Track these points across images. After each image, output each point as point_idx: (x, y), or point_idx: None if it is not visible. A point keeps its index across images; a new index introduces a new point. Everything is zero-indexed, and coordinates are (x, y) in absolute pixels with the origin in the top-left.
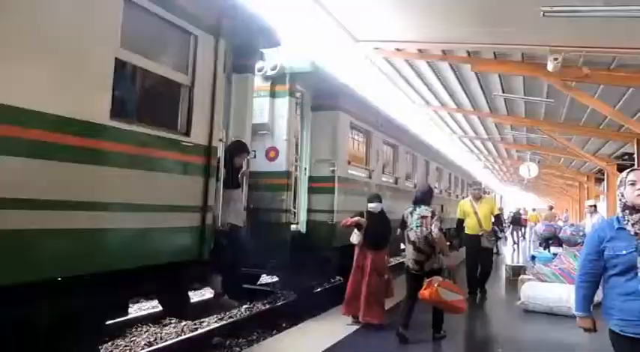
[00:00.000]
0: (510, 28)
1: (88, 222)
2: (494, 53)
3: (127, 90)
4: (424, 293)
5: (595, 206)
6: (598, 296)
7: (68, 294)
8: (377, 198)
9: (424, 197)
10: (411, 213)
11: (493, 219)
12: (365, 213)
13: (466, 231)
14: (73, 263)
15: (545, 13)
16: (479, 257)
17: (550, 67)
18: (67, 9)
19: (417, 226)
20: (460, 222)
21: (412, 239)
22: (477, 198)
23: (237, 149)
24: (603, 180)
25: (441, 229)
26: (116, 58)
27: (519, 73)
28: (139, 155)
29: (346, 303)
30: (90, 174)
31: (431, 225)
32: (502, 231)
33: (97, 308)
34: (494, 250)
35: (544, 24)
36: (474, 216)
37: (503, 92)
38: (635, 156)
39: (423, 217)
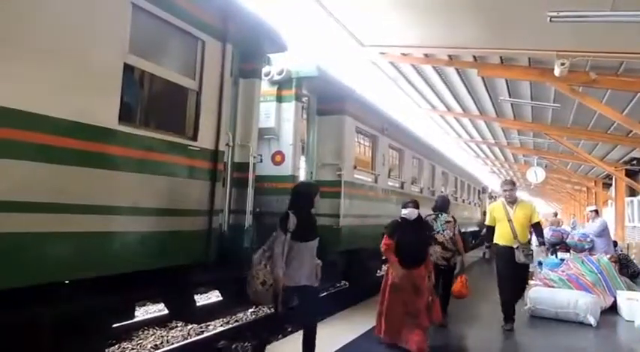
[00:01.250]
0: (517, 33)
1: (95, 226)
2: (500, 58)
3: (136, 95)
4: (457, 286)
5: (596, 211)
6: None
7: (75, 297)
8: (412, 203)
9: (443, 205)
10: (435, 220)
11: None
12: (397, 222)
13: (496, 241)
14: (80, 266)
15: (552, 19)
16: (512, 273)
17: (557, 72)
18: (77, 14)
19: (443, 230)
20: (489, 230)
21: (440, 240)
22: (512, 202)
23: (309, 191)
24: (611, 185)
25: (460, 232)
26: (125, 63)
27: (526, 78)
28: (147, 159)
29: (378, 323)
30: (98, 178)
31: (454, 229)
32: (542, 243)
33: (104, 311)
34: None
35: (550, 29)
36: (506, 224)
37: (510, 97)
38: None
39: (447, 222)
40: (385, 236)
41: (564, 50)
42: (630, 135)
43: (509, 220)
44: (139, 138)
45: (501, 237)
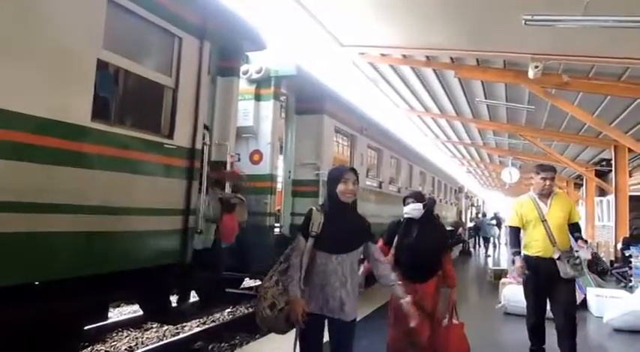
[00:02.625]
0: (492, 36)
1: (66, 226)
2: (477, 60)
3: (110, 91)
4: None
5: None
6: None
7: (45, 299)
8: (414, 196)
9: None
10: None
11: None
12: (397, 222)
13: (526, 251)
14: (50, 267)
15: (527, 22)
16: (552, 293)
17: (531, 74)
18: (49, 8)
19: None
20: (515, 234)
21: None
22: (547, 195)
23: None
24: (582, 185)
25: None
26: (98, 59)
27: (501, 80)
28: (121, 157)
29: None
30: (70, 177)
31: None
32: (582, 239)
33: (75, 312)
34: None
35: (525, 32)
36: (540, 226)
37: (486, 98)
38: (613, 162)
39: None
40: (379, 239)
41: (538, 53)
42: (600, 136)
43: (544, 220)
44: (113, 135)
45: (533, 245)
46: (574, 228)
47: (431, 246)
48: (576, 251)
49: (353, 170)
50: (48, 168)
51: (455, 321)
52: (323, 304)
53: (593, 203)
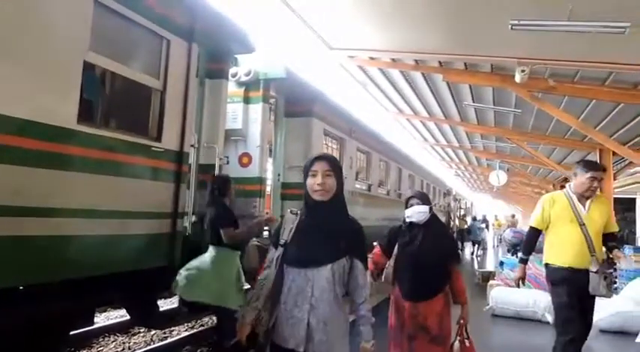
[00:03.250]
0: (480, 41)
1: (52, 229)
2: (464, 64)
3: (96, 94)
4: None
5: None
6: None
7: (30, 304)
8: (418, 197)
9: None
10: None
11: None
12: (397, 228)
13: (554, 261)
14: (36, 271)
15: (513, 27)
16: (583, 310)
17: (518, 78)
18: (34, 9)
19: None
20: (533, 237)
21: None
22: (587, 196)
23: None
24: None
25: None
26: (85, 61)
27: (489, 83)
28: (108, 160)
29: None
30: (56, 180)
31: None
32: (616, 247)
33: (61, 317)
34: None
35: (512, 37)
36: (576, 231)
37: (474, 102)
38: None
39: None
40: (376, 248)
41: (524, 58)
42: (585, 140)
43: (582, 225)
44: (100, 138)
45: (564, 253)
46: (609, 238)
47: (437, 256)
48: (613, 264)
49: (326, 157)
50: (32, 170)
51: (467, 343)
52: (289, 333)
53: None
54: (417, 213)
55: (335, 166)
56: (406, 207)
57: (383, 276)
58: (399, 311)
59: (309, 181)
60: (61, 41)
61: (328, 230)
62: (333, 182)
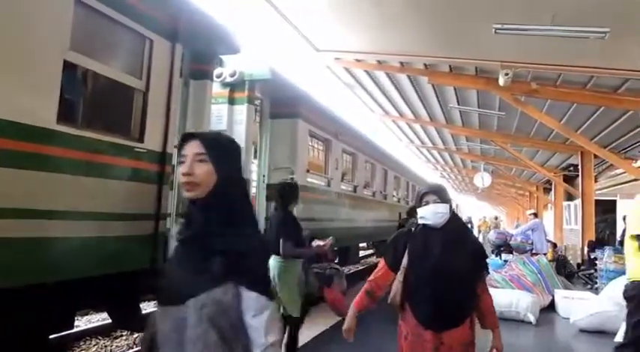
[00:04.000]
0: (464, 44)
1: (30, 231)
2: (449, 66)
3: (77, 94)
4: None
5: (535, 214)
6: None
7: (6, 307)
8: (434, 192)
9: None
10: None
11: None
12: (405, 233)
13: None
14: (13, 273)
15: (497, 30)
16: None
17: (501, 81)
18: (10, 7)
19: None
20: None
21: None
22: None
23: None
24: (551, 189)
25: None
26: (65, 61)
27: (473, 86)
28: (89, 161)
29: None
30: (34, 181)
31: None
32: None
33: (39, 321)
34: None
35: (496, 40)
36: None
37: (459, 104)
38: (580, 167)
39: None
40: (381, 261)
41: (508, 61)
42: (568, 142)
43: None
44: (80, 139)
45: None
46: None
47: (464, 268)
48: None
49: (200, 135)
50: (9, 171)
51: None
52: None
53: (561, 207)
54: (434, 214)
55: (213, 147)
56: (419, 206)
57: (389, 297)
58: (416, 344)
59: (180, 170)
60: (40, 40)
61: (204, 245)
62: (207, 170)
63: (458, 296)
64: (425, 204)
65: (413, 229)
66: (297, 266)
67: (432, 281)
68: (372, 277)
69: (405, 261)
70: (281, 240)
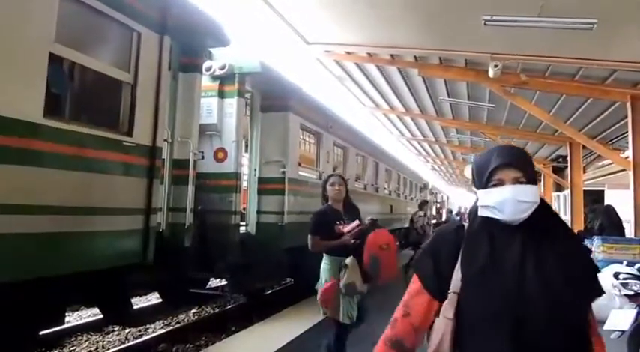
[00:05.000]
0: (454, 36)
1: (18, 227)
2: (439, 59)
3: (64, 87)
4: None
5: None
6: None
7: None
8: (514, 162)
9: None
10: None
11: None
12: (454, 231)
13: None
14: (1, 269)
15: (486, 22)
16: None
17: (491, 73)
18: None
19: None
20: None
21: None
22: None
23: None
24: (540, 181)
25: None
26: (51, 53)
27: (463, 78)
28: (77, 155)
29: None
30: (20, 176)
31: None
32: None
33: (29, 317)
34: None
35: (485, 32)
36: None
37: (449, 97)
38: (569, 158)
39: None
40: (413, 281)
41: (497, 53)
42: (556, 134)
43: None
44: (68, 133)
45: None
46: None
47: (564, 298)
48: None
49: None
50: None
51: None
52: None
53: (551, 198)
54: (514, 203)
55: None
56: (482, 186)
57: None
58: None
59: None
60: (24, 32)
61: None
62: None
63: (555, 344)
64: (496, 184)
65: (467, 228)
66: (332, 263)
67: (510, 317)
68: (398, 312)
69: (456, 279)
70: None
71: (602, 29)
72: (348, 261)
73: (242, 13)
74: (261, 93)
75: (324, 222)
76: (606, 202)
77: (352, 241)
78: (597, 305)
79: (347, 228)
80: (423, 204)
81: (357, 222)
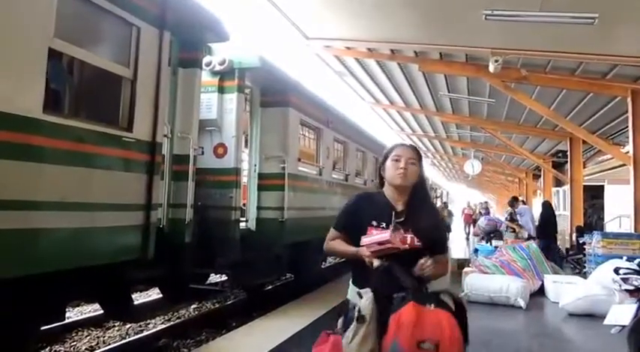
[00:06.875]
0: (454, 31)
1: (18, 222)
2: (440, 54)
3: (63, 82)
4: None
5: (524, 201)
6: None
7: None
8: None
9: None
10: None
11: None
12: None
13: None
14: (1, 265)
15: (487, 17)
16: None
17: (491, 68)
18: None
19: None
20: None
21: None
22: None
23: None
24: (540, 176)
25: None
26: (50, 48)
27: (463, 73)
28: (76, 151)
29: None
30: (20, 172)
31: None
32: None
33: (30, 313)
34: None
35: (485, 27)
36: None
37: (449, 92)
38: (568, 153)
39: None
40: None
41: (498, 48)
42: (556, 129)
43: None
44: (68, 128)
45: None
46: None
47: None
48: None
49: None
50: None
51: None
52: None
53: (550, 193)
54: None
55: None
56: None
57: None
58: None
59: None
60: (23, 27)
61: None
62: None
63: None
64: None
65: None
66: (352, 290)
67: None
68: None
69: None
70: None
71: (603, 24)
72: (363, 305)
73: (241, 8)
74: (261, 88)
75: (355, 214)
76: (606, 198)
77: (374, 263)
78: (598, 300)
79: (366, 240)
80: (445, 206)
81: (410, 236)
